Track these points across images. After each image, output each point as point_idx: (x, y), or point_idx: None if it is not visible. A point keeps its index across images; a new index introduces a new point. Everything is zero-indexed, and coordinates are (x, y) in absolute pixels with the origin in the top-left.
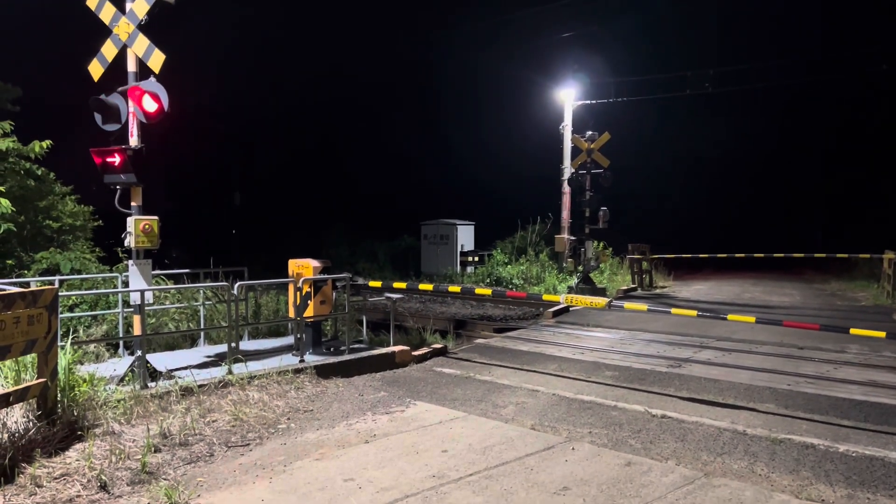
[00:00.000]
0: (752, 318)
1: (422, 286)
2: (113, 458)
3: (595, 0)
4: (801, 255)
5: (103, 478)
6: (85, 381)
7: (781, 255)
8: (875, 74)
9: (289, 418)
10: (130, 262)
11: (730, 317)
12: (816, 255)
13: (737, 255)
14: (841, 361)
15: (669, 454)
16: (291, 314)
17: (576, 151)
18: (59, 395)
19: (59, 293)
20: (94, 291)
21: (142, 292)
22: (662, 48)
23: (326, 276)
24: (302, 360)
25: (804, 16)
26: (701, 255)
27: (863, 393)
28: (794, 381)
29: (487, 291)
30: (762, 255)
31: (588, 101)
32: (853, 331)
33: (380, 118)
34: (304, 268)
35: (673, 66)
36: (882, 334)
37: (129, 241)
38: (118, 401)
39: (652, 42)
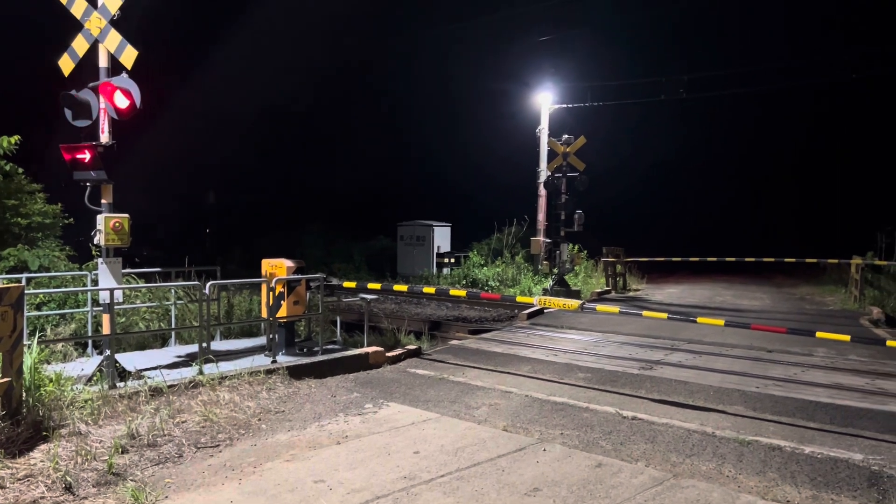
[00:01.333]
0: (721, 321)
1: (397, 287)
2: (79, 459)
3: (572, 4)
4: (772, 259)
5: (68, 479)
6: (51, 380)
7: (752, 259)
8: (846, 83)
9: (260, 419)
10: (100, 260)
11: (699, 320)
12: (786, 259)
13: (709, 259)
14: (808, 364)
15: (639, 455)
16: (264, 314)
17: (552, 155)
18: (24, 394)
19: (26, 291)
20: (62, 290)
21: (111, 291)
22: (641, 54)
23: (300, 276)
24: (274, 361)
25: (779, 25)
26: (674, 259)
27: (829, 396)
28: (763, 384)
29: (462, 293)
30: (734, 259)
31: (565, 105)
32: (819, 334)
33: (357, 119)
34: (277, 268)
35: (650, 72)
36: (847, 338)
37: (100, 239)
38: (85, 401)
39: (630, 48)
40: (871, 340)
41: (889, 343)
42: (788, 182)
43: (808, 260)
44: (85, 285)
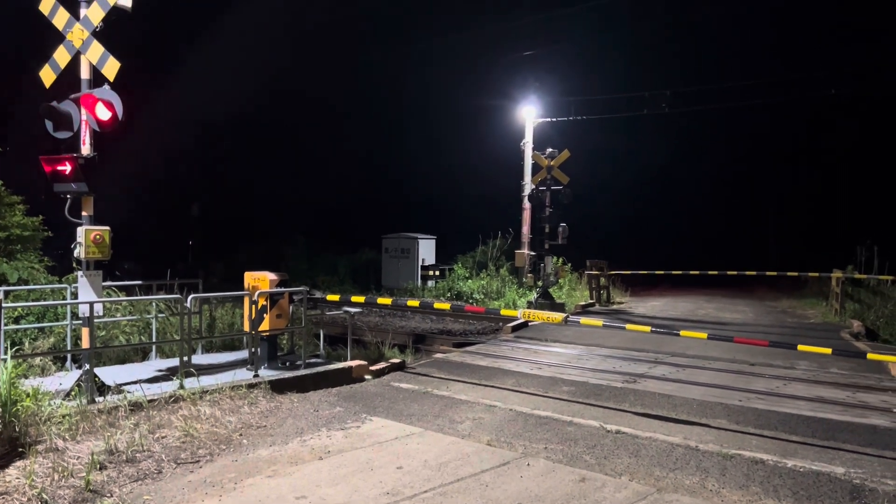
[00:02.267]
0: (703, 335)
1: (381, 300)
2: (55, 476)
3: (558, 20)
4: (754, 272)
5: (45, 496)
6: (28, 395)
7: (734, 272)
8: (825, 98)
9: (241, 434)
10: (80, 273)
11: (682, 333)
12: (768, 272)
13: (691, 272)
14: (790, 378)
15: (623, 470)
16: (247, 328)
17: (536, 168)
18: None
19: (4, 304)
20: (40, 303)
21: (91, 304)
22: (625, 69)
23: (283, 289)
24: (256, 375)
25: (761, 41)
26: (657, 272)
27: (811, 409)
28: (746, 397)
29: (446, 306)
30: (716, 272)
31: (549, 119)
32: (801, 347)
33: (343, 132)
34: (260, 280)
35: (635, 86)
36: (828, 351)
37: (80, 252)
38: (63, 416)
39: (615, 62)
40: (853, 353)
41: (870, 356)
42: (781, 192)
43: (789, 273)
44: (65, 298)
